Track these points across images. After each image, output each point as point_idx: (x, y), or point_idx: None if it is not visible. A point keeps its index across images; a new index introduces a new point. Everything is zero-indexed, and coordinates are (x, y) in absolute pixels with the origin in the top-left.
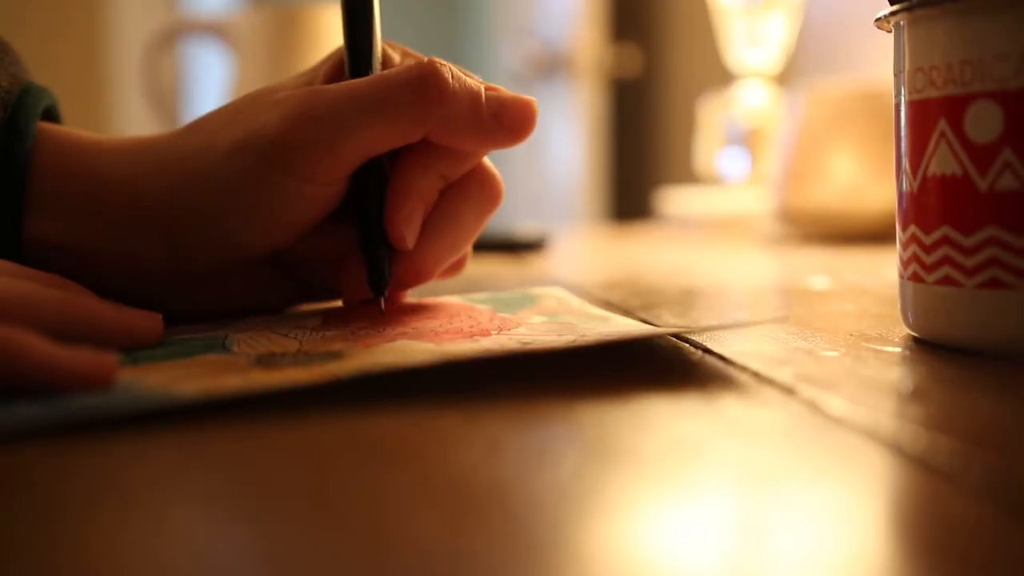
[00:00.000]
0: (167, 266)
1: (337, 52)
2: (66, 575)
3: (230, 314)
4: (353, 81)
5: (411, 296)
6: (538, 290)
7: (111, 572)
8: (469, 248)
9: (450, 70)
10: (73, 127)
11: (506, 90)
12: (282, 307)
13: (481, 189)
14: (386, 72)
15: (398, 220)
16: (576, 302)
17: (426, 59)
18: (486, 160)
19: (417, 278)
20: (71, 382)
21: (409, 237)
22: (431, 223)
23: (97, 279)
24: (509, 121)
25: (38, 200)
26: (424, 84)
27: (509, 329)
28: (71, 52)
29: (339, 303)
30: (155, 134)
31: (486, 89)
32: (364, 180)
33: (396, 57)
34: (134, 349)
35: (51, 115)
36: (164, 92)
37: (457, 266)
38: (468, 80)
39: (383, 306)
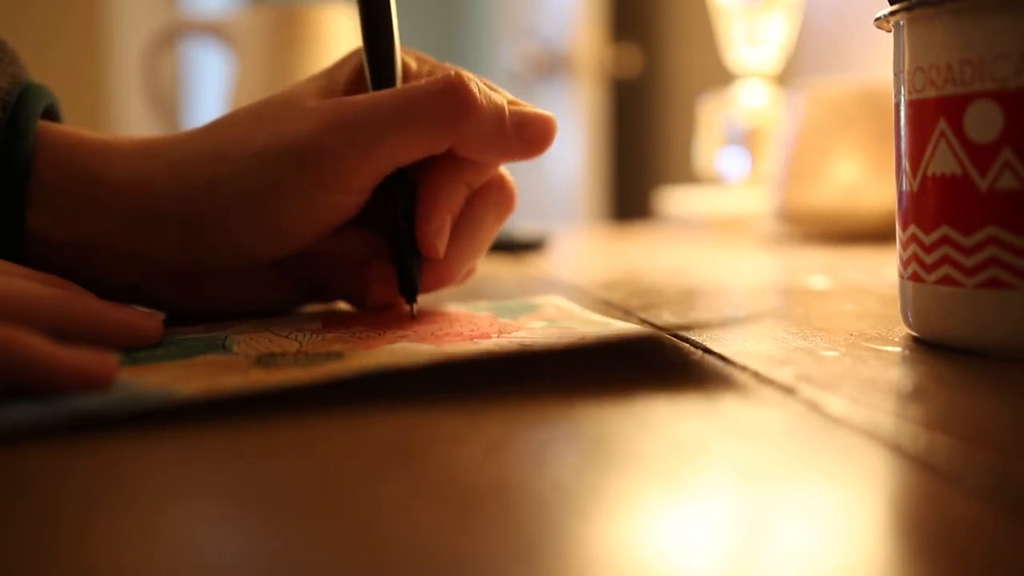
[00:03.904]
0: (177, 267)
1: (354, 56)
2: (66, 574)
3: (234, 314)
4: (382, 92)
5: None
6: (538, 299)
7: (111, 571)
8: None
9: (476, 84)
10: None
11: (526, 104)
12: (286, 308)
13: (500, 196)
14: (415, 84)
15: (430, 232)
16: (576, 309)
17: (452, 70)
18: (501, 166)
19: (440, 283)
20: (71, 382)
21: (441, 247)
22: (454, 231)
23: (103, 277)
24: (531, 135)
25: (40, 197)
26: (454, 96)
27: (509, 333)
28: (71, 52)
29: (338, 305)
30: (165, 135)
31: (508, 103)
32: (391, 192)
33: (412, 64)
34: (134, 349)
35: (51, 114)
36: (164, 92)
37: (465, 277)
38: (493, 94)
39: (414, 311)
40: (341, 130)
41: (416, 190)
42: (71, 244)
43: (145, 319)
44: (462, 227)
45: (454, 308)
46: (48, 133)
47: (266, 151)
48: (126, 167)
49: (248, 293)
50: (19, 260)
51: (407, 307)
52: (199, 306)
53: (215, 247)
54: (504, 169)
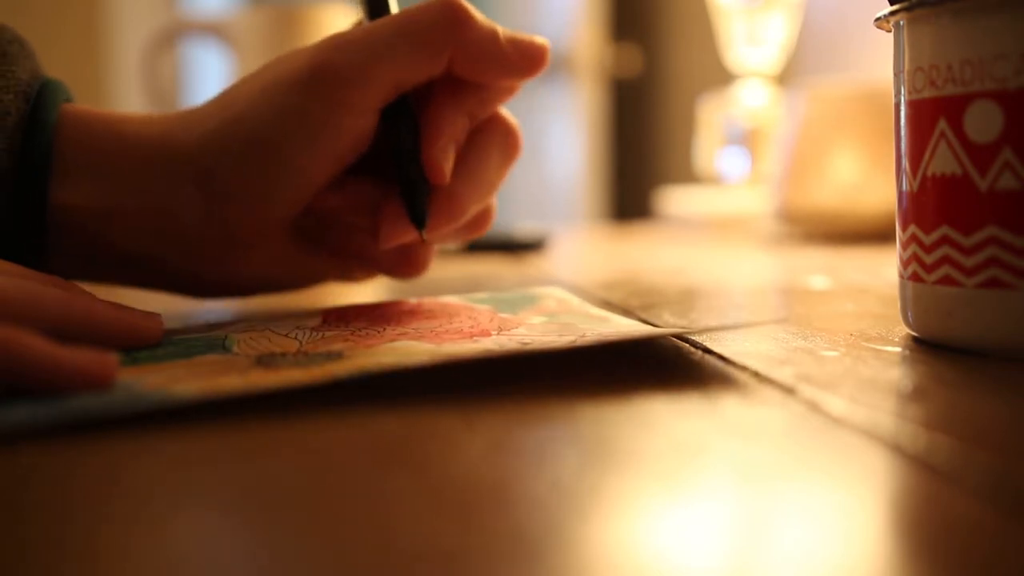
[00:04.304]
0: (201, 225)
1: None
2: (72, 574)
3: (259, 289)
4: (379, 19)
5: (411, 296)
6: (538, 290)
7: (112, 571)
8: (493, 204)
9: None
10: None
11: None
12: (308, 283)
13: (504, 136)
14: (410, 7)
15: (435, 153)
16: (576, 302)
17: None
18: (506, 111)
19: (450, 217)
20: (71, 382)
21: (447, 169)
22: (460, 164)
23: (131, 242)
24: (526, 50)
25: (63, 168)
26: (451, 8)
27: (509, 329)
28: (71, 52)
29: (339, 304)
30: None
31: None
32: (395, 121)
33: None
34: (134, 349)
35: None
36: (164, 92)
37: (482, 223)
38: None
39: (425, 236)
40: (341, 49)
41: (418, 121)
42: (99, 207)
43: (145, 319)
44: (468, 161)
45: (453, 300)
46: (69, 110)
47: (270, 82)
48: (143, 126)
49: (271, 265)
50: (45, 234)
51: (418, 234)
52: (225, 280)
53: (234, 198)
54: (509, 114)
